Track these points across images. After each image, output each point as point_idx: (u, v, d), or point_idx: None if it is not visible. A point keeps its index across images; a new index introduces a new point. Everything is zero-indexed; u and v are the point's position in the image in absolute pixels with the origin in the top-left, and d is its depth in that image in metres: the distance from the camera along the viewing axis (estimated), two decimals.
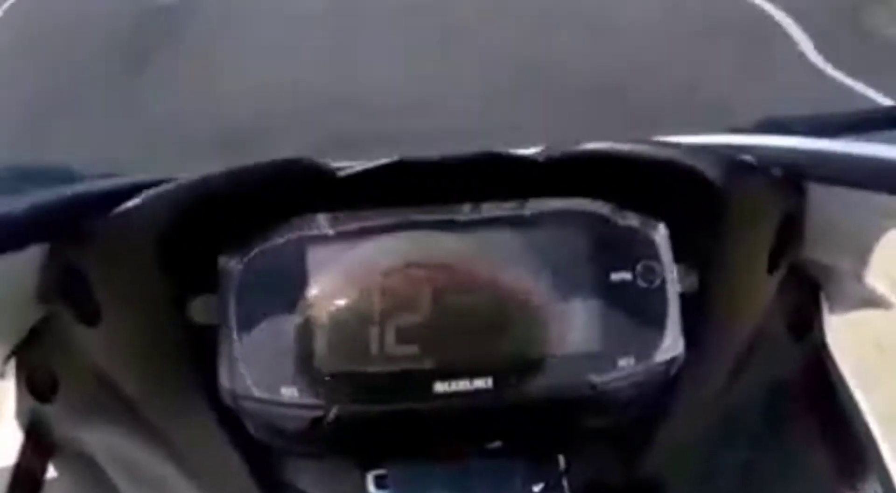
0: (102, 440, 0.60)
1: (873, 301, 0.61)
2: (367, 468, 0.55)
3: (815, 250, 0.61)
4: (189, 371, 0.53)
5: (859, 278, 0.59)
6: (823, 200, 0.58)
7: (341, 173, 0.53)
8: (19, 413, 0.60)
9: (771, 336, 0.63)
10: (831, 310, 0.65)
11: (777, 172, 0.56)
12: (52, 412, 0.59)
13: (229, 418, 0.54)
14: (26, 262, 0.52)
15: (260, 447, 0.56)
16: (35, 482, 0.61)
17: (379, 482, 0.55)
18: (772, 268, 0.59)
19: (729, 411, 0.63)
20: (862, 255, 0.57)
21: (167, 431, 0.55)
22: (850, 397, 0.63)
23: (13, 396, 0.60)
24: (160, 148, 2.49)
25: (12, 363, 0.59)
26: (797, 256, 0.61)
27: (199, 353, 0.53)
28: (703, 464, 0.63)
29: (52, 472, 0.62)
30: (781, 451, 0.65)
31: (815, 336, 0.65)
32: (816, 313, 0.65)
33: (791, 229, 0.58)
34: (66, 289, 0.53)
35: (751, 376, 0.62)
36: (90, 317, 0.53)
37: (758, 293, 0.59)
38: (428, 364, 0.52)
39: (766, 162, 0.56)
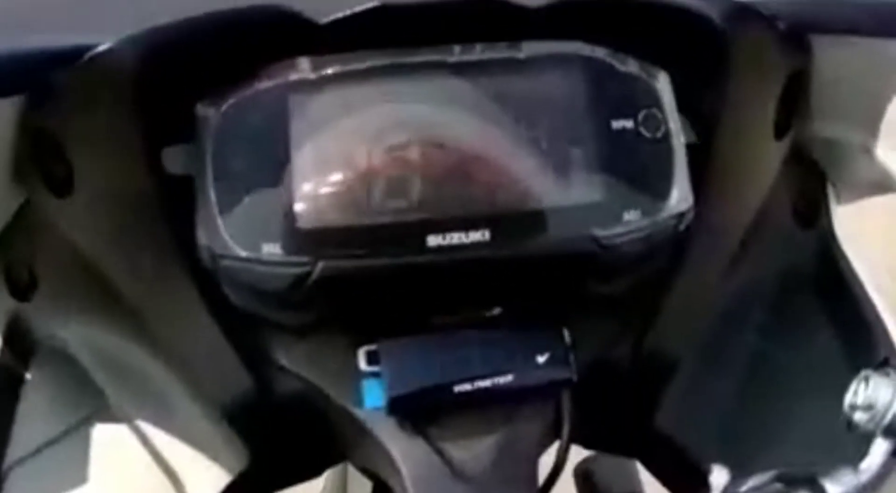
0: (81, 336, 0.58)
1: (885, 184, 0.58)
2: (357, 343, 0.52)
3: (823, 120, 0.58)
4: (166, 233, 0.50)
5: (870, 151, 0.57)
6: (831, 59, 0.55)
7: (322, 20, 0.50)
8: None
9: (777, 222, 0.61)
10: (839, 197, 0.63)
11: (781, 23, 0.54)
12: (32, 311, 0.57)
13: (212, 292, 0.52)
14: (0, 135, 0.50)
15: (244, 324, 0.53)
16: (15, 383, 0.59)
17: (371, 358, 0.52)
18: (778, 133, 0.56)
19: (737, 294, 0.61)
20: (873, 121, 0.55)
21: (147, 313, 0.53)
22: (862, 289, 0.61)
23: None
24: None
25: None
26: (805, 129, 0.59)
27: (176, 212, 0.50)
28: (710, 348, 0.60)
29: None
30: (791, 341, 0.63)
31: (823, 225, 0.63)
32: (823, 201, 0.63)
33: (798, 89, 0.56)
34: (39, 156, 0.51)
35: (758, 262, 0.60)
36: (64, 186, 0.50)
37: (764, 159, 0.57)
38: (420, 216, 0.49)
39: (771, 12, 0.54)
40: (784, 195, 0.62)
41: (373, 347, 0.52)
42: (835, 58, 0.55)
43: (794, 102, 0.56)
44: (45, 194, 0.52)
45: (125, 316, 0.53)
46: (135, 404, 0.59)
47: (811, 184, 0.63)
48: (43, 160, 0.51)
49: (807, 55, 0.55)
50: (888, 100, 0.54)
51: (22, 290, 0.57)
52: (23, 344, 0.59)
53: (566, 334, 0.54)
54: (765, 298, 0.63)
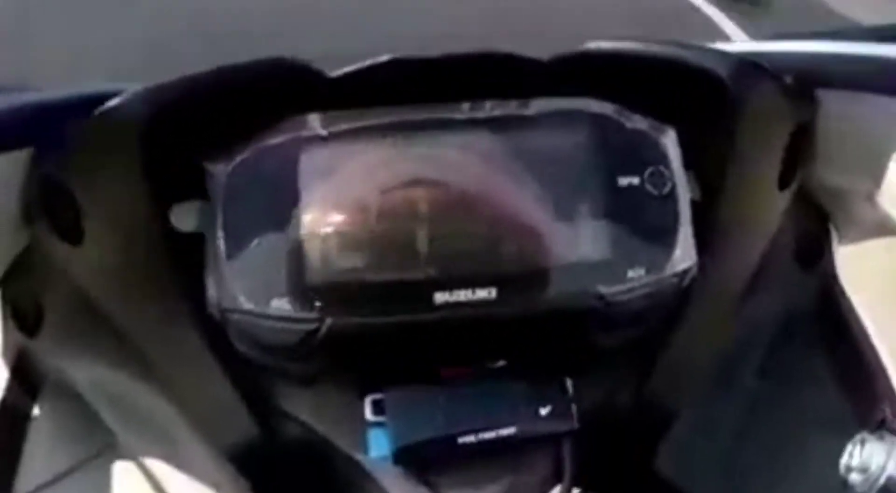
0: (88, 373, 0.58)
1: (886, 227, 0.59)
2: (363, 392, 0.53)
3: (827, 169, 0.59)
4: (174, 285, 0.50)
5: (872, 199, 0.57)
6: (836, 111, 0.55)
7: (332, 74, 0.50)
8: (5, 349, 0.58)
9: (780, 264, 0.61)
10: (842, 239, 0.64)
11: (789, 79, 0.54)
12: (38, 347, 0.57)
13: (218, 340, 0.52)
14: (8, 179, 0.50)
15: (251, 372, 0.53)
16: (22, 419, 0.59)
17: (376, 408, 0.52)
18: (783, 184, 0.56)
19: (739, 338, 0.61)
20: (876, 171, 0.55)
21: (154, 357, 0.53)
22: (864, 333, 0.62)
23: None
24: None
25: None
26: (808, 176, 0.59)
27: (185, 264, 0.50)
28: (712, 392, 0.61)
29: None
30: (790, 383, 0.64)
31: (825, 267, 0.63)
32: (826, 243, 0.63)
33: (803, 142, 0.56)
34: (48, 204, 0.51)
35: (761, 302, 0.60)
36: (72, 234, 0.50)
37: (768, 210, 0.57)
38: (428, 273, 0.49)
39: (777, 66, 0.54)
40: (787, 238, 0.62)
41: (379, 396, 0.53)
42: (840, 111, 0.55)
43: (799, 153, 0.56)
44: (54, 239, 0.52)
45: (132, 357, 0.53)
46: (141, 441, 0.60)
47: (814, 225, 0.63)
48: (52, 206, 0.51)
49: (812, 108, 0.56)
50: (890, 152, 0.54)
51: (29, 325, 0.57)
52: (30, 379, 0.60)
53: (568, 383, 0.54)
54: (764, 339, 0.64)
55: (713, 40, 0.69)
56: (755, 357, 0.64)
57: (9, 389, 0.59)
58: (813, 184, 0.60)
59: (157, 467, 0.59)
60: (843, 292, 0.63)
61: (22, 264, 0.55)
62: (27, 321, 0.57)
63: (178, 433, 0.56)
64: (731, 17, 3.41)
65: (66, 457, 0.60)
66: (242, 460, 0.55)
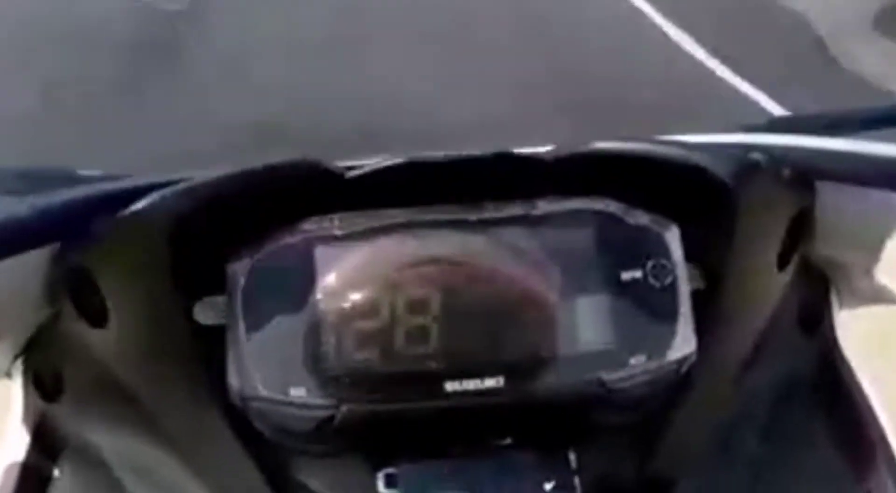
0: (110, 441, 0.60)
1: (883, 296, 0.60)
2: (377, 467, 0.55)
3: (826, 246, 0.60)
4: (197, 372, 0.53)
5: (869, 273, 0.59)
6: (834, 197, 0.57)
7: (350, 174, 0.53)
8: (26, 413, 0.60)
9: (781, 332, 0.63)
10: (841, 305, 0.65)
11: (787, 171, 0.56)
12: (59, 412, 0.59)
13: (238, 418, 0.54)
14: (34, 262, 0.52)
15: (269, 446, 0.55)
16: (42, 482, 0.61)
17: (389, 481, 0.55)
18: (782, 265, 0.58)
19: (740, 407, 0.63)
20: (872, 250, 0.57)
21: (175, 432, 0.55)
22: (861, 394, 0.63)
23: (20, 397, 0.59)
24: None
25: (19, 364, 0.59)
26: (808, 252, 0.61)
27: (207, 354, 0.53)
28: (713, 459, 0.62)
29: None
30: (791, 447, 0.65)
31: (826, 331, 0.65)
32: (826, 307, 0.65)
33: (801, 227, 0.58)
34: (72, 290, 0.53)
35: (761, 371, 0.62)
36: (97, 318, 0.53)
37: (768, 291, 0.59)
38: (438, 364, 0.52)
39: (776, 160, 0.56)
40: (788, 306, 0.63)
41: (392, 470, 0.55)
42: (837, 200, 0.57)
43: (799, 237, 0.58)
44: (78, 319, 0.54)
45: (153, 429, 0.56)
46: None
47: (815, 292, 0.65)
48: (78, 293, 0.53)
49: (811, 196, 0.57)
50: (887, 234, 0.56)
51: (49, 392, 0.59)
52: (51, 443, 0.61)
53: (572, 457, 0.56)
54: (767, 405, 0.65)
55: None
56: (756, 423, 0.65)
57: (29, 452, 0.60)
58: (813, 256, 0.62)
59: None
60: (842, 357, 0.64)
61: (44, 334, 0.57)
62: (48, 388, 0.59)
63: None
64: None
65: None
66: None
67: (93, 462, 0.61)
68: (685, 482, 0.61)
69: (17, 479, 0.59)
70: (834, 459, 0.64)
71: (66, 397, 0.59)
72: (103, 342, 0.54)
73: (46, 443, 0.61)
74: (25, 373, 0.59)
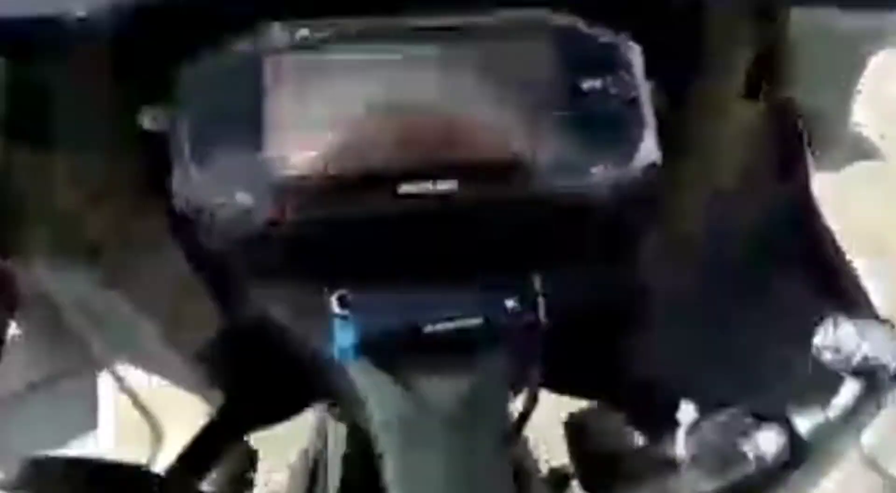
0: (65, 289, 0.59)
1: (861, 151, 0.59)
2: (329, 286, 0.53)
3: (798, 89, 0.59)
4: (142, 183, 0.52)
5: (845, 121, 0.58)
6: (801, 32, 0.56)
7: None
8: None
9: (752, 174, 0.62)
10: (819, 164, 0.63)
11: None
12: (15, 265, 0.57)
13: (185, 238, 0.53)
14: None
15: (218, 269, 0.54)
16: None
17: (342, 302, 0.52)
18: (750, 93, 0.57)
19: (710, 243, 0.61)
20: (845, 91, 0.56)
21: (122, 259, 0.54)
22: (837, 248, 0.62)
23: None
24: None
25: None
26: (779, 94, 0.59)
27: (154, 163, 0.51)
28: (682, 305, 0.61)
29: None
30: (764, 303, 0.63)
31: (800, 181, 0.63)
32: (800, 158, 0.63)
33: (768, 62, 0.57)
34: (16, 110, 0.51)
35: (732, 219, 0.61)
36: (41, 141, 0.52)
37: (735, 120, 0.58)
38: (391, 166, 0.50)
39: None
40: (761, 148, 0.62)
41: (344, 291, 0.53)
42: (804, 33, 0.56)
43: (767, 70, 0.57)
44: (23, 156, 0.52)
45: (107, 269, 0.54)
46: (115, 351, 0.60)
47: (790, 138, 0.63)
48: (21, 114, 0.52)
49: (777, 30, 0.56)
50: (858, 68, 0.55)
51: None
52: (6, 299, 0.60)
53: (536, 280, 0.54)
54: (739, 257, 0.64)
55: None
56: (729, 276, 0.64)
57: None
58: (787, 101, 0.61)
59: (130, 375, 0.60)
60: (817, 210, 0.63)
61: None
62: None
63: (148, 337, 0.57)
64: None
65: (41, 370, 0.61)
66: (210, 359, 0.56)
67: (49, 315, 0.60)
68: (652, 313, 0.60)
69: None
70: (806, 309, 0.62)
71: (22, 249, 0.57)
72: (49, 172, 0.53)
73: (3, 299, 0.60)
74: None
